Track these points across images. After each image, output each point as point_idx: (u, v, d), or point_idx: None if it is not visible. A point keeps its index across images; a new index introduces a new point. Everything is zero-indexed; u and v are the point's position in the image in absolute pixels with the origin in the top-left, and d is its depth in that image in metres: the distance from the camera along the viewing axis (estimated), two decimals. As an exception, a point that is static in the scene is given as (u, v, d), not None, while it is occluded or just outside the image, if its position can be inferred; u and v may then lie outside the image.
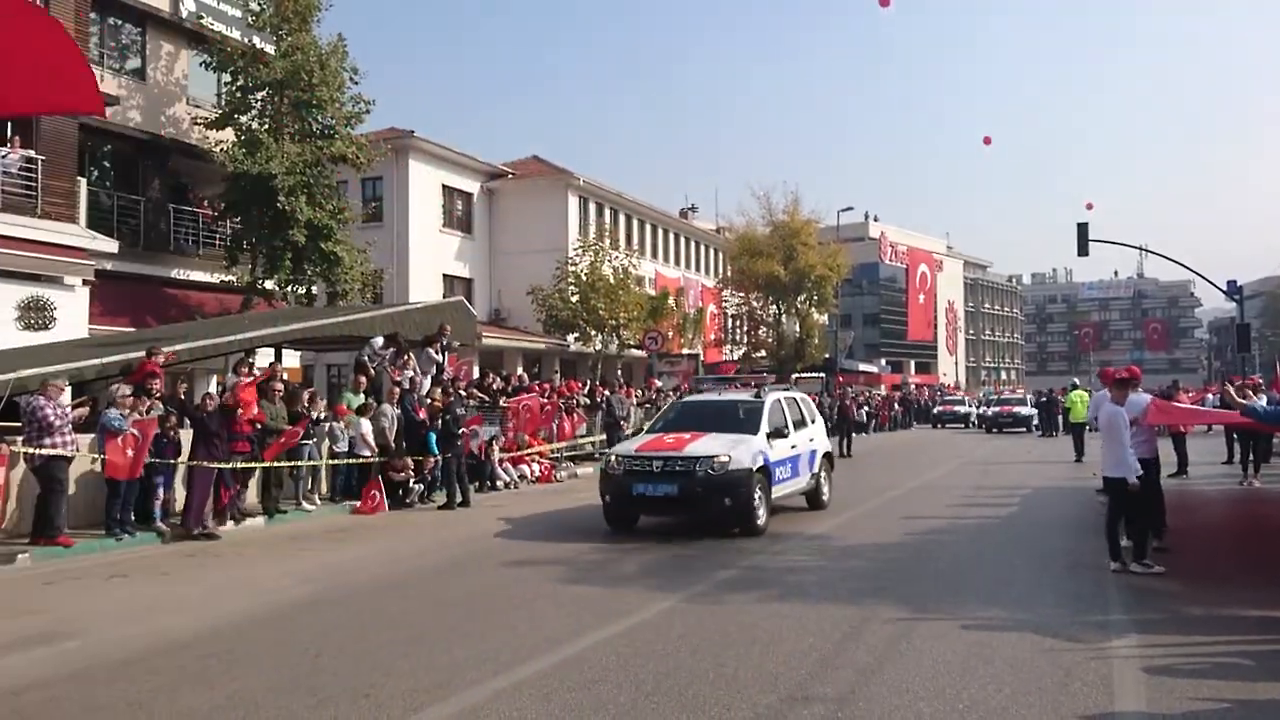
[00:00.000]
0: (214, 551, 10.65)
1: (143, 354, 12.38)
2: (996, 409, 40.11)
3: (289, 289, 22.11)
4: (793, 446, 12.62)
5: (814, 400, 36.02)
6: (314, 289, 22.82)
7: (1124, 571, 8.60)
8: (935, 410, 49.92)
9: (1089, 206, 70.97)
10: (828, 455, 14.11)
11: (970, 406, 49.52)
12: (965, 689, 5.39)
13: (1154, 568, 8.65)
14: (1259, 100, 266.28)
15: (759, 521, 11.12)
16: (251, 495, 13.08)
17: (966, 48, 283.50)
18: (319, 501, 14.05)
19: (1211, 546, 10.93)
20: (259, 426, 12.71)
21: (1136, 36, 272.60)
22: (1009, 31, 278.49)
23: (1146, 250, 42.33)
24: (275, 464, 12.94)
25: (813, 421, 14.01)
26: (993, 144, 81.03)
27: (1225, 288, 34.81)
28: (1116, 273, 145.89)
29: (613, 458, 12.08)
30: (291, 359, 23.26)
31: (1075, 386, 25.26)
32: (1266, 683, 5.49)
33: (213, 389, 12.89)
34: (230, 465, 12.03)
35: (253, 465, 12.63)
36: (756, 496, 11.08)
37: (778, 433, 12.24)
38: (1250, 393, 16.04)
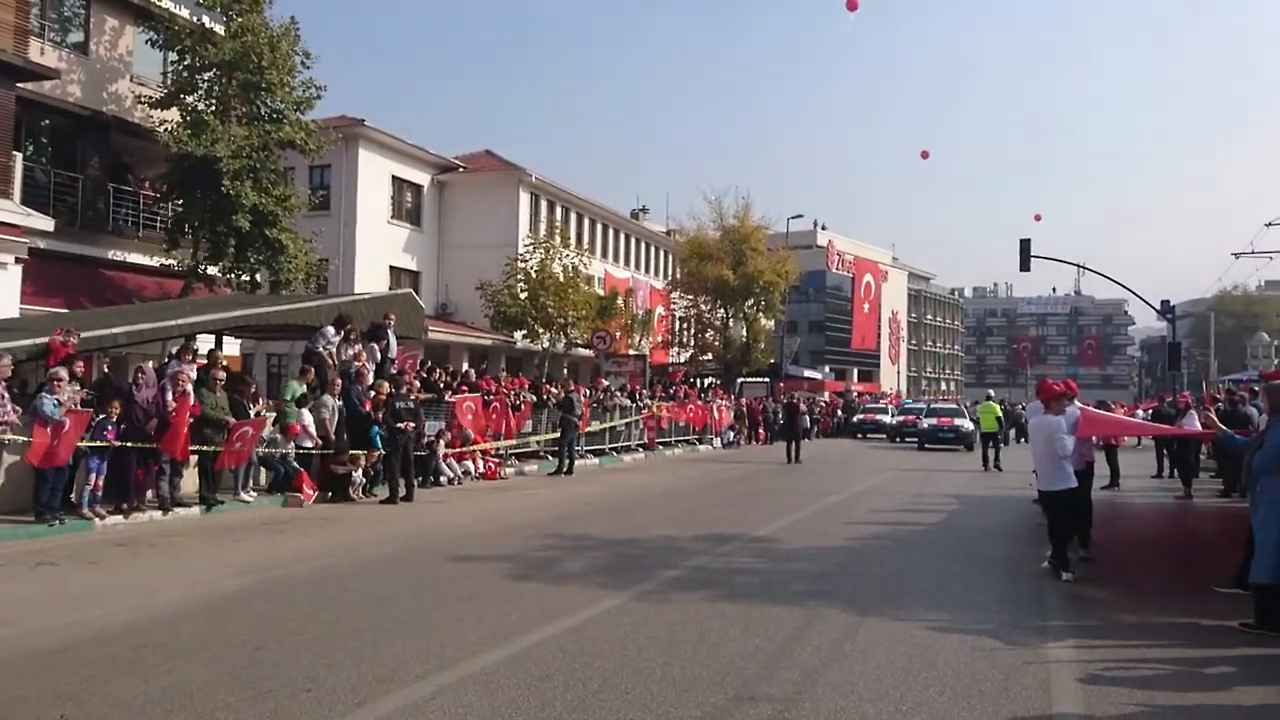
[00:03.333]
0: (147, 541, 10.36)
1: (57, 338, 11.92)
2: (932, 421, 34.45)
3: (232, 275, 21.65)
4: None
5: (759, 405, 36.45)
6: (258, 276, 22.38)
7: (1075, 581, 8.78)
8: (856, 419, 44.05)
9: (1037, 218, 72.88)
10: None
11: (896, 416, 42.89)
12: (908, 691, 5.45)
13: (1063, 575, 8.84)
14: (1189, 129, 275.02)
15: None
16: (189, 485, 12.76)
17: (917, 62, 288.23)
18: (254, 494, 13.74)
19: (1144, 557, 11.23)
20: (194, 418, 12.38)
21: (1083, 61, 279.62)
22: (959, 47, 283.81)
23: (1084, 268, 43.47)
24: (201, 449, 12.64)
25: None
26: (930, 158, 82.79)
27: (1159, 307, 35.82)
28: (1055, 289, 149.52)
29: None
30: (232, 347, 22.79)
31: (989, 398, 25.80)
32: (1197, 689, 5.64)
33: (148, 371, 12.49)
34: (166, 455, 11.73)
35: (207, 449, 12.33)
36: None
37: None
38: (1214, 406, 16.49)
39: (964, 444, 32.21)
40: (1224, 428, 9.35)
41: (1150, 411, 26.74)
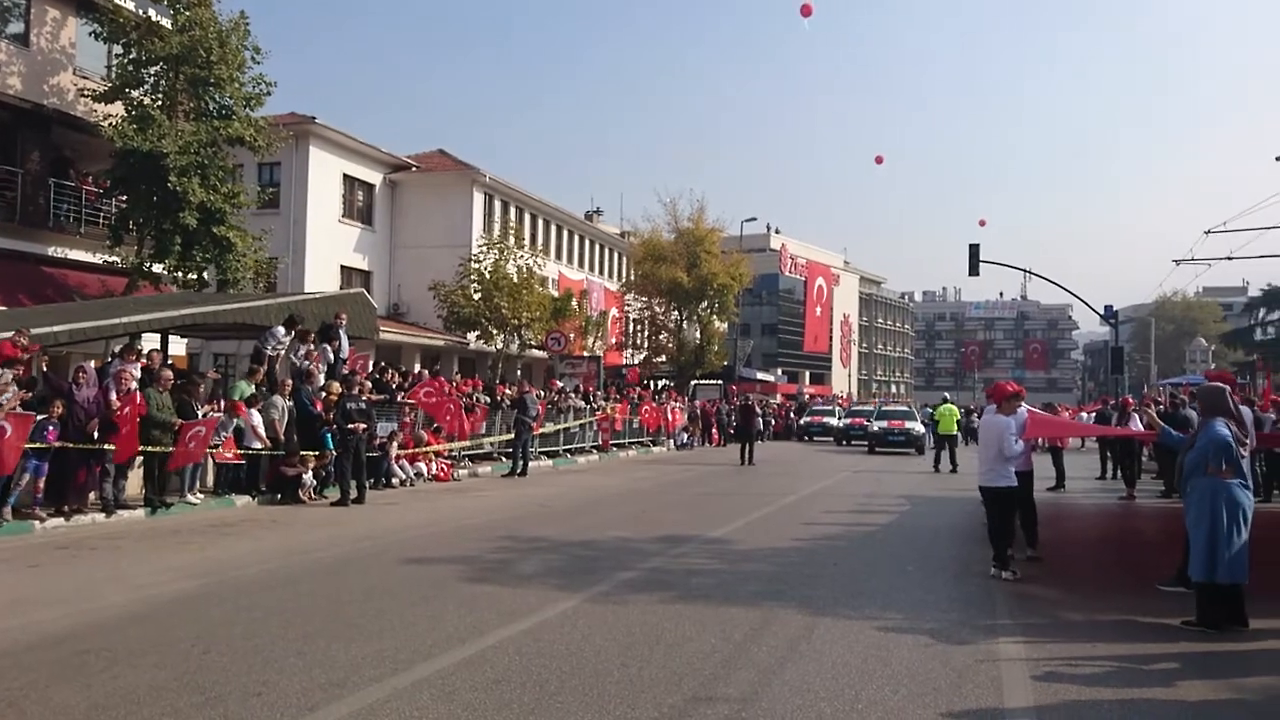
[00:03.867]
0: (89, 544, 10.10)
1: (17, 339, 11.63)
2: (882, 424, 33.95)
3: (178, 273, 21.20)
4: None
5: (712, 407, 36.59)
6: (204, 275, 21.94)
7: (1015, 580, 8.93)
8: (803, 421, 43.31)
9: (982, 223, 74.23)
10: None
11: (843, 419, 41.82)
12: (864, 689, 5.50)
13: (1003, 574, 9.01)
14: (1134, 140, 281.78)
15: None
16: (133, 486, 12.47)
17: (870, 68, 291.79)
18: (200, 495, 13.47)
19: (1089, 556, 11.46)
20: (140, 418, 12.11)
21: (1034, 70, 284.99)
22: (912, 53, 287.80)
23: (1031, 273, 44.38)
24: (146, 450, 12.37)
25: None
26: (884, 164, 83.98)
27: (1103, 312, 36.64)
28: (1002, 294, 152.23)
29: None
30: (178, 346, 22.36)
31: (945, 401, 26.20)
32: (1142, 684, 5.77)
33: (89, 370, 12.19)
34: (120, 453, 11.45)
35: (158, 450, 12.05)
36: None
37: None
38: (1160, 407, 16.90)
39: (915, 447, 31.87)
40: (1164, 425, 9.57)
41: (1094, 414, 27.34)
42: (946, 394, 29.85)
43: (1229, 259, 31.03)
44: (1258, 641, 6.92)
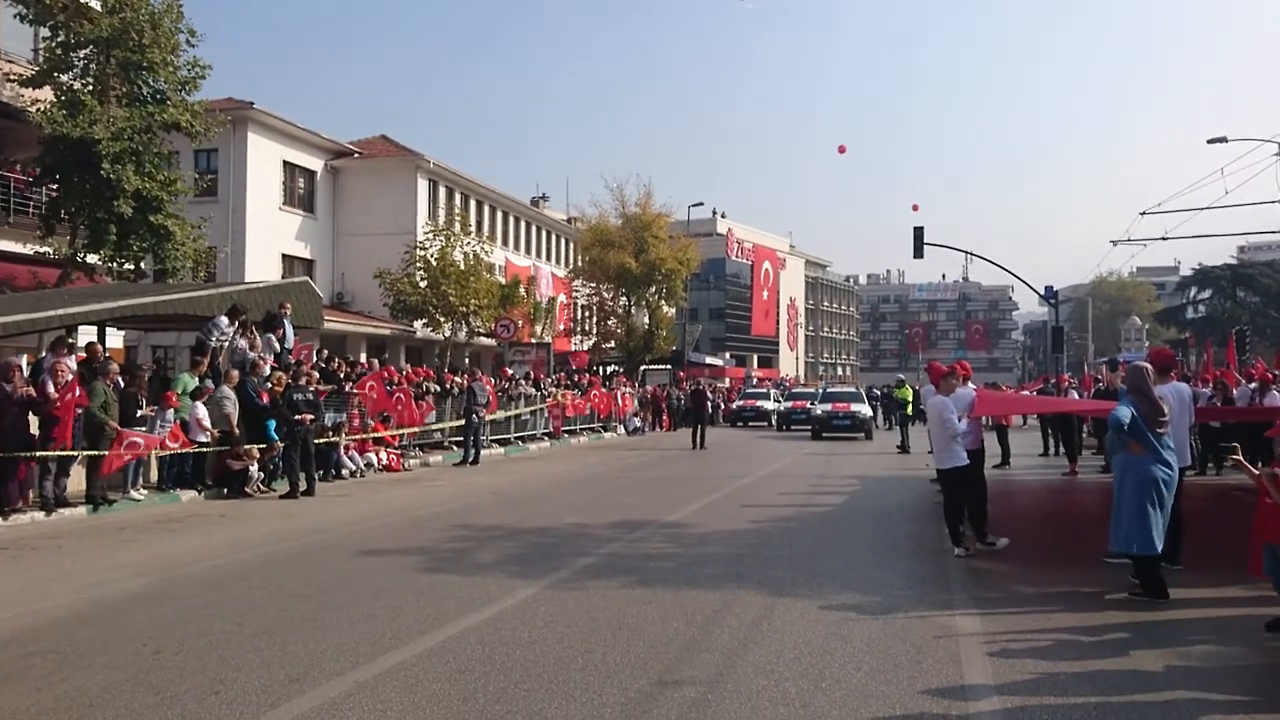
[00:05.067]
0: (30, 544, 9.80)
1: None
2: (826, 407, 30.94)
3: (113, 264, 20.60)
4: None
5: (662, 392, 36.62)
6: (142, 265, 21.35)
7: (967, 556, 9.08)
8: (735, 405, 40.62)
9: (915, 208, 75.26)
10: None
11: (778, 402, 39.98)
12: (827, 668, 5.55)
13: (997, 543, 9.21)
14: (1069, 130, 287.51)
15: None
16: (74, 484, 12.12)
17: (813, 50, 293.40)
18: (144, 491, 13.14)
19: (1037, 531, 11.70)
20: (80, 411, 11.78)
21: (974, 53, 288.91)
22: (854, 37, 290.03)
23: (972, 255, 45.00)
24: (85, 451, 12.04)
25: None
26: (839, 151, 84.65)
27: (1042, 293, 37.38)
28: (945, 276, 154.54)
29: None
30: (115, 339, 21.75)
31: (902, 383, 26.54)
32: (1096, 655, 5.90)
33: (21, 365, 11.81)
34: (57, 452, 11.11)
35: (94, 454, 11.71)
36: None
37: None
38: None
39: (863, 431, 29.72)
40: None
41: (1036, 392, 27.93)
42: (902, 375, 30.14)
43: (1163, 239, 31.80)
44: (1201, 610, 7.13)
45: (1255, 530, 6.63)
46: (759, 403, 39.86)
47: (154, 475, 13.63)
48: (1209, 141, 28.59)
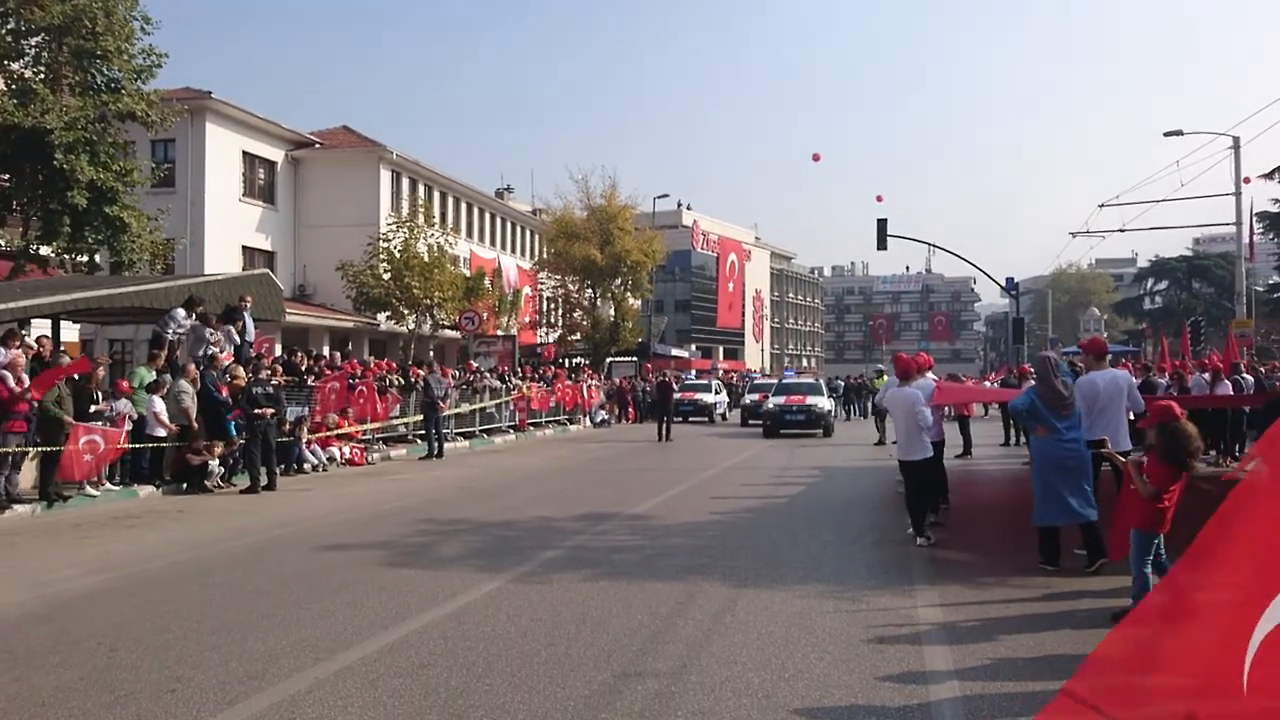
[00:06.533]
0: (-19, 542, 9.60)
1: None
2: (779, 400, 27.49)
3: (67, 256, 20.20)
4: None
5: (628, 384, 36.55)
6: (97, 257, 20.96)
7: (929, 546, 9.17)
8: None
9: (879, 199, 76.09)
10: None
11: (721, 394, 37.50)
12: (790, 659, 5.58)
13: (918, 540, 9.30)
14: (1036, 116, 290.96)
15: None
16: (26, 480, 11.88)
17: (775, 42, 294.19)
18: (100, 488, 12.90)
19: (997, 520, 11.85)
20: (35, 405, 11.54)
21: (935, 43, 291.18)
22: (816, 29, 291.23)
23: (935, 247, 45.48)
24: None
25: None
26: (815, 156, 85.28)
27: (1004, 284, 37.83)
28: (908, 268, 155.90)
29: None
30: (70, 332, 21.36)
31: (880, 374, 26.66)
32: (1053, 640, 5.98)
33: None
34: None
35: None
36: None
37: None
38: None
39: (820, 427, 26.58)
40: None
41: (1000, 382, 28.27)
42: (881, 366, 30.20)
43: (1121, 231, 32.32)
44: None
45: (1118, 515, 6.94)
46: (698, 395, 34.78)
47: (110, 470, 13.37)
48: (1165, 134, 29.07)
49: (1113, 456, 7.03)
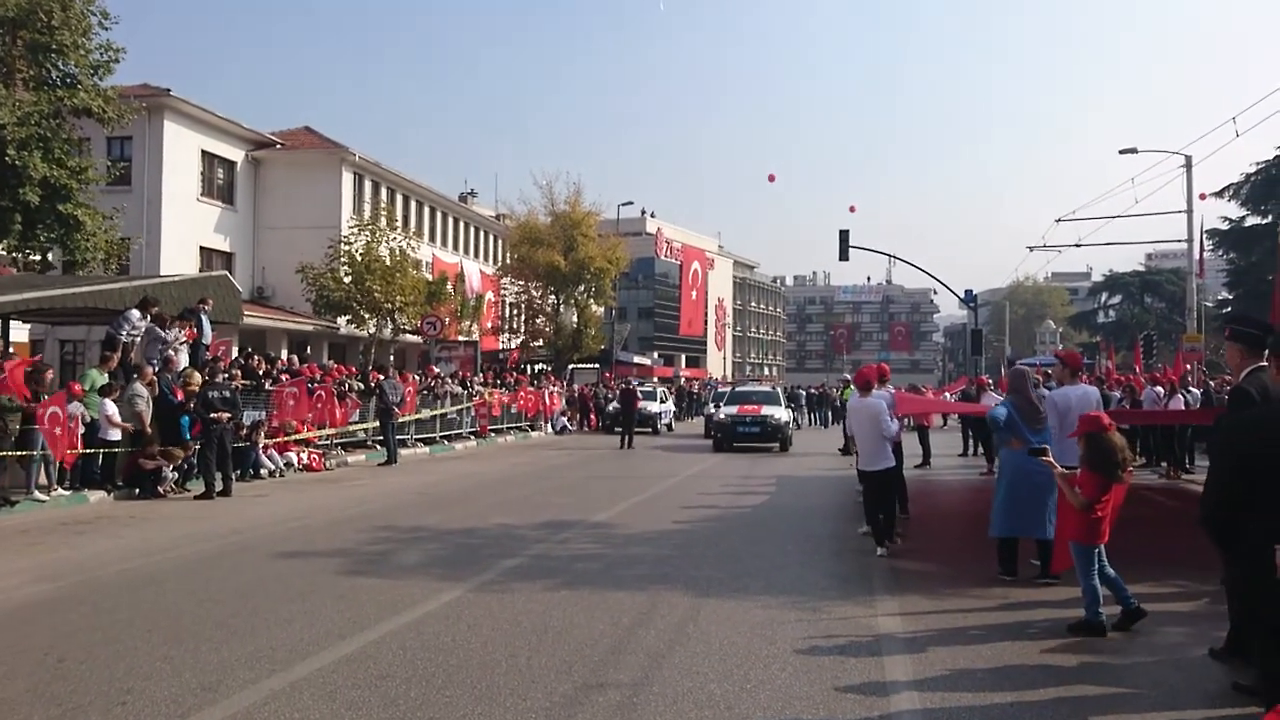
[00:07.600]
0: (-77, 547, 9.33)
1: None
2: (731, 410, 25.19)
3: (18, 254, 19.77)
4: None
5: (590, 391, 36.49)
6: (49, 256, 20.54)
7: (889, 556, 9.23)
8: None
9: (852, 209, 76.62)
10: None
11: (667, 403, 35.58)
12: (752, 669, 5.57)
13: (879, 550, 9.36)
14: (992, 137, 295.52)
15: None
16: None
17: (742, 53, 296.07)
18: (58, 490, 12.60)
19: (956, 531, 11.97)
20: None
21: (900, 60, 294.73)
22: (784, 40, 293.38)
23: (895, 258, 46.02)
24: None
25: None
26: (770, 177, 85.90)
27: (963, 296, 38.33)
28: (869, 279, 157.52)
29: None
30: (19, 333, 20.89)
31: (848, 383, 26.82)
32: (1011, 652, 6.03)
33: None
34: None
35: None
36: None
37: None
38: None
39: (777, 441, 24.48)
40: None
41: (959, 393, 28.60)
42: (847, 375, 30.35)
43: (1077, 245, 32.92)
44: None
45: (1058, 529, 7.06)
46: (641, 404, 30.22)
47: (59, 474, 13.07)
48: (1121, 152, 29.62)
49: (1052, 466, 7.09)
